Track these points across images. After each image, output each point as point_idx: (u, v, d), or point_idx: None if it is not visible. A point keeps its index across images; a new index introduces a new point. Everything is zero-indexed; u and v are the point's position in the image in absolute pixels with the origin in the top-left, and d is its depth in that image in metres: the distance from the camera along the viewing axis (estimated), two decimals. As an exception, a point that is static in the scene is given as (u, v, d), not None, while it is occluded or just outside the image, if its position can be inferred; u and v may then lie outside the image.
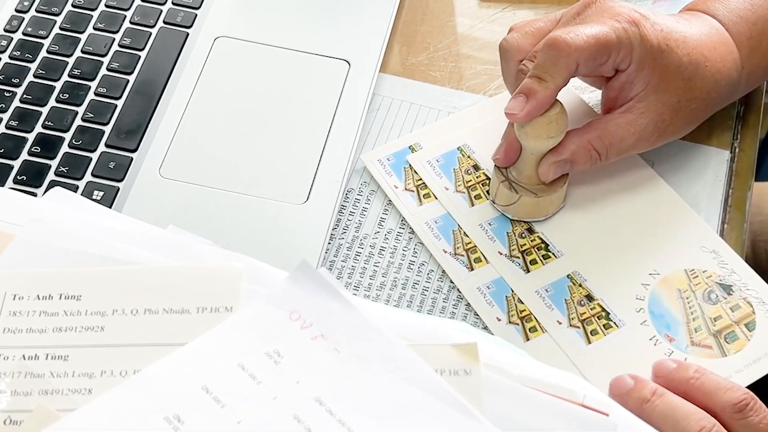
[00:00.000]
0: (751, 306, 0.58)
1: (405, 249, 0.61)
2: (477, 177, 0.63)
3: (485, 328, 0.57)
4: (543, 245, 0.60)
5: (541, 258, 0.59)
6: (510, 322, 0.57)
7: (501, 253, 0.60)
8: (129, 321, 0.45)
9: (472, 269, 0.59)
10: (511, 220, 0.61)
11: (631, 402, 0.52)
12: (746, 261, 0.61)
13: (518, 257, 0.60)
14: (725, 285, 0.59)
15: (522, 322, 0.57)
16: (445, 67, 0.69)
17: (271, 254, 0.57)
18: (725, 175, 0.64)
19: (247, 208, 0.59)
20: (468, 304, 0.58)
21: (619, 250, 0.60)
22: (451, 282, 0.59)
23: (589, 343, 0.56)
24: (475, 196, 0.62)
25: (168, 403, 0.41)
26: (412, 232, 0.61)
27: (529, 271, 0.59)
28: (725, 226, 0.62)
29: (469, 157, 0.64)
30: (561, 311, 0.57)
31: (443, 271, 0.59)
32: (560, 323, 0.57)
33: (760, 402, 0.51)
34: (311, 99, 0.65)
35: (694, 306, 0.58)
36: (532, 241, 0.60)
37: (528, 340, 0.57)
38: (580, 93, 0.66)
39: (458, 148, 0.64)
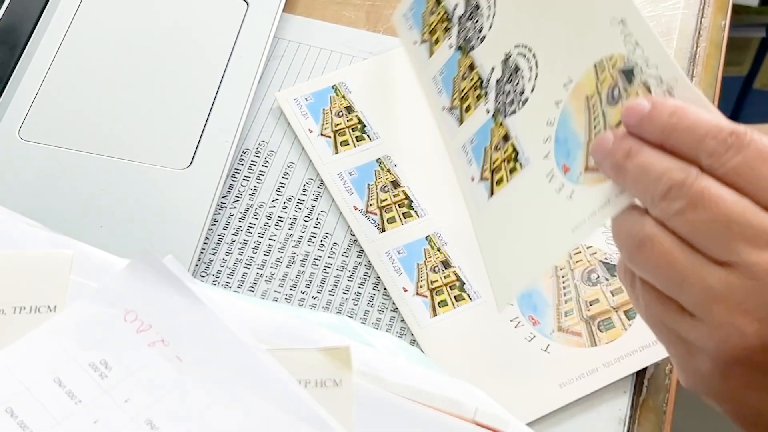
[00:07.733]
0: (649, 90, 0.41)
1: (306, 219, 0.53)
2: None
3: (395, 303, 0.50)
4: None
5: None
6: (417, 293, 0.50)
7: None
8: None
9: (384, 230, 0.52)
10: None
11: (607, 169, 0.40)
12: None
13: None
14: (626, 71, 0.41)
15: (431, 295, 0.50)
16: (360, 6, 0.60)
17: (144, 231, 0.50)
18: None
19: (119, 176, 0.51)
20: (378, 279, 0.51)
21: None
22: (358, 254, 0.51)
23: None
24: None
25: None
26: (315, 199, 0.53)
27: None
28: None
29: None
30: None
31: (349, 243, 0.52)
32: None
33: (750, 136, 0.36)
34: (201, 46, 0.56)
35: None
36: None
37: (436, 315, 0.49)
38: None
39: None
